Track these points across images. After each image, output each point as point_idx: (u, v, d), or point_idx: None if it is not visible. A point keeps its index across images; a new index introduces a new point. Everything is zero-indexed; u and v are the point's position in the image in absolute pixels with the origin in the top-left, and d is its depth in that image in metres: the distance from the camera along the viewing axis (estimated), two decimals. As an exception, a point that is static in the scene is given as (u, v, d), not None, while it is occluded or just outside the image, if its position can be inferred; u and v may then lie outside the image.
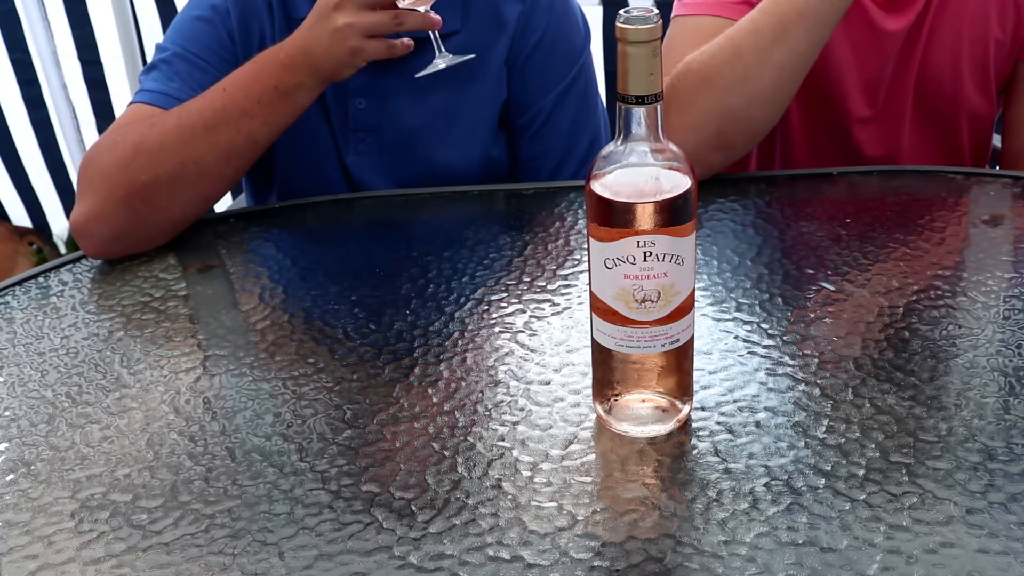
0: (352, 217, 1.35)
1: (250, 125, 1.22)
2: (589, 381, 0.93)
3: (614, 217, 0.82)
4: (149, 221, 1.23)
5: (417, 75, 1.24)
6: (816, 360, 0.98)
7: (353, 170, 1.41)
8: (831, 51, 1.38)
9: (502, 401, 0.95)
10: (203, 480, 0.87)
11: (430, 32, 1.22)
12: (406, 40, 1.22)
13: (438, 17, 1.20)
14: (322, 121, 1.39)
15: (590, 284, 0.86)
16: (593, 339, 0.89)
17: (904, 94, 1.44)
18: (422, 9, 1.19)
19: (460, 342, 1.04)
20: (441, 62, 1.24)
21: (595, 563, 0.77)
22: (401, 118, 1.38)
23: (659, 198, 0.81)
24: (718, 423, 0.90)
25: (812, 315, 1.06)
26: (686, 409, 0.90)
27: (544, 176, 1.45)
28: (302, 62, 1.20)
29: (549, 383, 0.97)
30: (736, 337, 1.02)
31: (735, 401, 0.93)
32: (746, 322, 1.04)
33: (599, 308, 0.86)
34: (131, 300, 1.16)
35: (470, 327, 1.06)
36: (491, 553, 0.78)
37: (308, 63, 1.20)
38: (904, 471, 0.83)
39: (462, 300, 1.11)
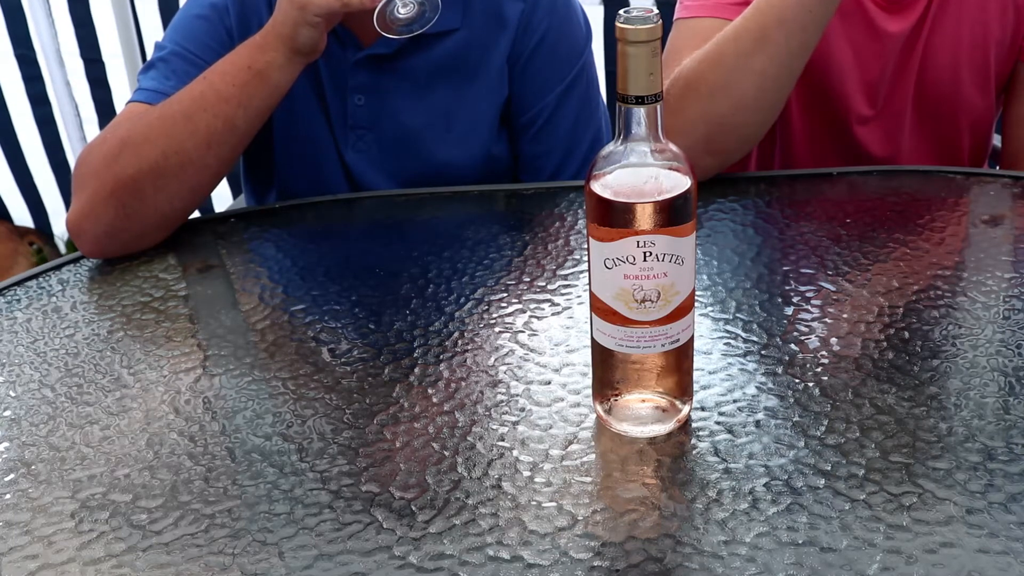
0: (352, 217, 1.35)
1: (227, 109, 1.22)
2: (589, 381, 0.94)
3: (614, 217, 0.82)
4: (138, 215, 1.23)
5: (380, 28, 1.21)
6: (816, 360, 0.98)
7: (353, 167, 1.41)
8: (832, 52, 1.38)
9: (502, 401, 0.95)
10: (203, 480, 0.87)
11: None
12: None
13: None
14: (321, 118, 1.39)
15: (590, 284, 0.86)
16: (593, 339, 0.89)
17: (904, 94, 1.44)
18: None
19: (460, 342, 1.04)
20: (400, 6, 1.20)
21: (595, 563, 0.77)
22: (400, 116, 1.38)
23: (659, 198, 0.81)
24: (718, 423, 0.90)
25: (812, 315, 1.06)
26: (686, 409, 0.90)
27: (546, 175, 1.45)
28: (272, 36, 1.21)
29: (549, 383, 0.97)
30: (736, 337, 1.02)
31: (735, 401, 0.93)
32: (746, 322, 1.04)
33: (599, 308, 0.86)
34: (131, 300, 1.16)
35: (470, 327, 1.06)
36: (491, 553, 0.78)
37: (276, 34, 1.20)
38: (904, 471, 0.84)
39: (462, 300, 1.11)
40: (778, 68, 1.22)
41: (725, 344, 1.01)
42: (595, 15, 1.67)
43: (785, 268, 1.14)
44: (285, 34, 1.20)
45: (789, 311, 1.06)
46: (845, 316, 1.05)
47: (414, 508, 0.83)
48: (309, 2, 1.17)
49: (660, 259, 0.82)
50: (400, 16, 1.21)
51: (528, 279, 1.15)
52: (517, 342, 1.03)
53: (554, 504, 0.82)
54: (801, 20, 1.19)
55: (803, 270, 1.14)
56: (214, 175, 1.27)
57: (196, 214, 1.33)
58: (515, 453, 0.88)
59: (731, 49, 1.21)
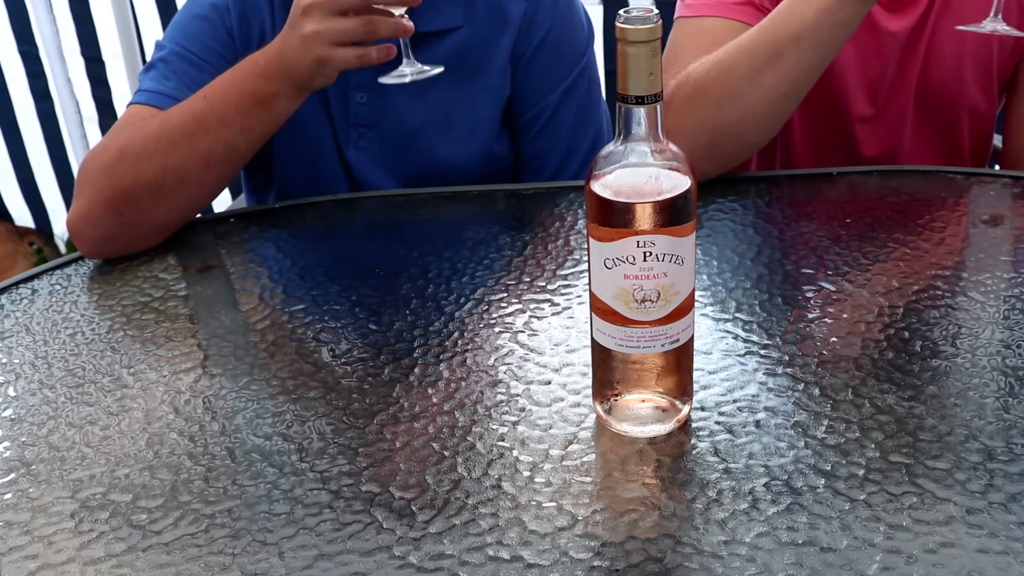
0: (352, 217, 1.35)
1: (228, 133, 1.20)
2: (589, 381, 0.93)
3: (614, 217, 0.82)
4: (136, 224, 1.23)
5: (380, 79, 1.20)
6: (816, 360, 0.98)
7: (353, 165, 1.41)
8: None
9: (502, 401, 0.95)
10: (203, 480, 0.87)
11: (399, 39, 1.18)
12: (387, 46, 1.16)
13: (411, 24, 1.15)
14: (322, 116, 1.39)
15: (590, 284, 0.86)
16: (593, 339, 0.89)
17: (906, 93, 1.44)
18: (397, 12, 1.14)
19: (460, 342, 1.04)
20: (407, 70, 1.19)
21: (595, 563, 0.77)
22: (402, 114, 1.38)
23: (659, 198, 0.81)
24: (718, 423, 0.90)
25: (812, 315, 1.06)
26: (686, 409, 0.90)
27: (547, 175, 1.45)
28: (278, 69, 1.17)
29: (549, 383, 0.97)
30: (736, 337, 1.02)
31: (735, 401, 0.93)
32: (746, 322, 1.04)
33: (599, 308, 0.86)
34: (131, 300, 1.16)
35: (470, 327, 1.06)
36: (491, 553, 0.78)
37: (283, 71, 1.17)
38: (904, 471, 0.83)
39: (462, 300, 1.11)
40: (789, 84, 1.21)
41: (725, 344, 1.01)
42: (595, 15, 1.67)
43: (785, 268, 1.14)
44: (298, 79, 1.17)
45: (789, 311, 1.06)
46: (845, 316, 1.05)
47: (414, 508, 0.83)
48: (330, 59, 1.14)
49: (660, 259, 0.82)
50: (405, 73, 1.20)
51: (528, 279, 1.15)
52: (517, 342, 1.03)
53: (554, 504, 0.82)
54: (817, 39, 1.18)
55: (803, 270, 1.14)
56: (212, 191, 1.27)
57: (196, 214, 1.33)
58: (515, 453, 0.88)
59: (743, 61, 1.21)
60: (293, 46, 1.15)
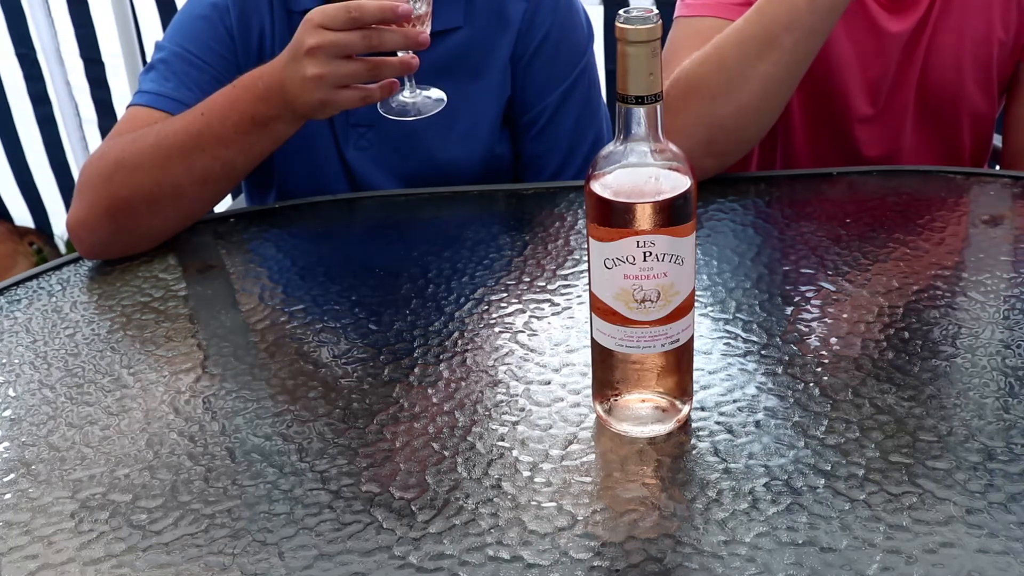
0: (352, 217, 1.35)
1: (226, 153, 1.19)
2: (589, 381, 0.94)
3: (614, 217, 0.82)
4: (132, 232, 1.23)
5: (381, 110, 1.18)
6: (816, 360, 0.98)
7: (354, 165, 1.41)
8: (833, 51, 1.38)
9: (502, 401, 0.95)
10: (203, 480, 0.87)
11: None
12: (390, 82, 1.14)
13: (416, 60, 1.13)
14: None
15: (590, 284, 0.86)
16: (593, 339, 0.89)
17: (906, 94, 1.44)
18: (401, 52, 1.12)
19: (460, 342, 1.04)
20: (409, 96, 1.17)
21: (595, 563, 0.77)
22: None
23: (659, 198, 0.81)
24: (718, 423, 0.90)
25: (812, 315, 1.06)
26: (686, 409, 0.90)
27: (547, 175, 1.45)
28: (278, 97, 1.15)
29: (549, 383, 0.97)
30: (736, 337, 1.02)
31: (735, 401, 0.93)
32: (746, 322, 1.04)
33: (599, 308, 0.86)
34: (131, 300, 1.16)
35: (470, 327, 1.06)
36: (491, 553, 0.78)
37: (284, 99, 1.15)
38: (904, 471, 0.84)
39: (462, 300, 1.11)
40: (784, 73, 1.21)
41: (725, 344, 1.01)
42: (595, 15, 1.67)
43: (785, 268, 1.14)
44: (299, 111, 1.16)
45: (789, 311, 1.06)
46: (845, 316, 1.05)
47: (414, 508, 0.83)
48: (333, 101, 1.13)
49: (660, 259, 0.82)
50: (407, 106, 1.18)
51: (528, 279, 1.15)
52: (517, 342, 1.03)
53: (554, 504, 0.82)
54: (810, 25, 1.18)
55: (803, 270, 1.14)
56: (209, 204, 1.27)
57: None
58: (515, 453, 0.88)
59: (735, 53, 1.20)
60: (295, 83, 1.13)
